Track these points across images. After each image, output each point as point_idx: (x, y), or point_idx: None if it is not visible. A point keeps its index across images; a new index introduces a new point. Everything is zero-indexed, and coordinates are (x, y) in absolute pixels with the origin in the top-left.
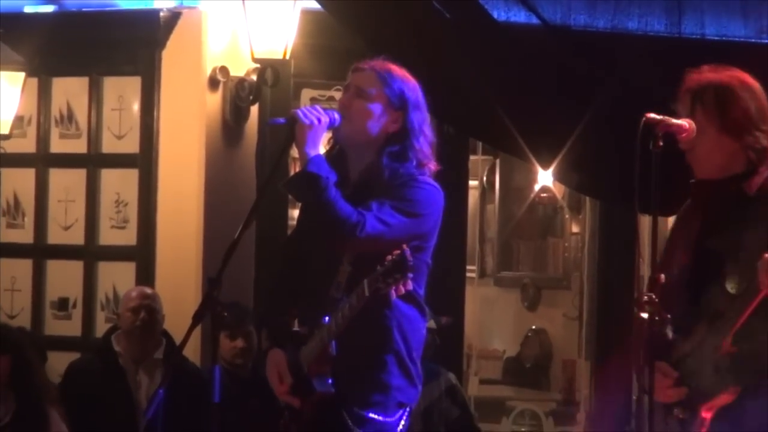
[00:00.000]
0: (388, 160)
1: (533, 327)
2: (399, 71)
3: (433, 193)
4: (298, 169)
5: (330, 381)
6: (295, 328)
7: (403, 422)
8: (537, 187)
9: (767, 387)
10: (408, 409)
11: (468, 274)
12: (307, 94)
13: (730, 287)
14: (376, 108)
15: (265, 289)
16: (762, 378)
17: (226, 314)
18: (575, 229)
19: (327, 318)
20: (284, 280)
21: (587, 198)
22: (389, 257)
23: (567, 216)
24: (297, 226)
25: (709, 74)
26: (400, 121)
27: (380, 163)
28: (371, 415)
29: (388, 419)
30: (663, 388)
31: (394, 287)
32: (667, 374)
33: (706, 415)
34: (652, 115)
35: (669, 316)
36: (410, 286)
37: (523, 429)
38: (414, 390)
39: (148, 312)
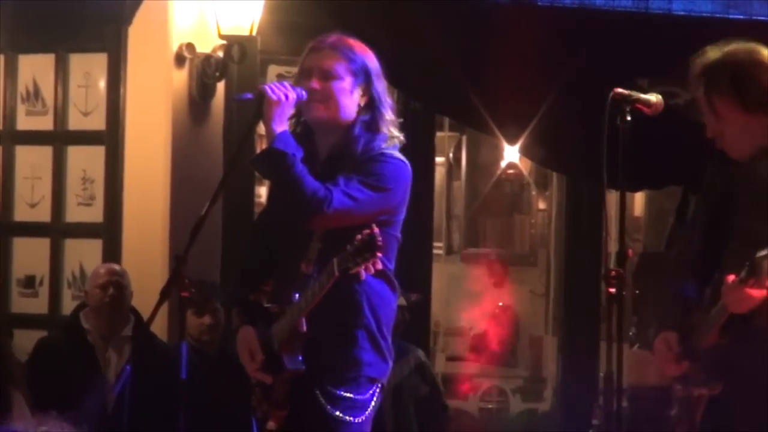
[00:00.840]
0: (360, 129)
1: (500, 304)
2: (356, 43)
3: (400, 167)
4: (264, 146)
5: (300, 358)
6: (266, 305)
7: (375, 399)
8: (503, 164)
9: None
10: (380, 384)
11: (435, 251)
12: (273, 70)
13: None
14: (346, 85)
15: (236, 266)
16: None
17: (193, 291)
18: (542, 205)
19: (297, 295)
20: (254, 256)
21: (554, 174)
22: (358, 236)
23: (534, 192)
24: (267, 202)
25: (715, 57)
26: (367, 94)
27: (353, 133)
28: (343, 393)
29: (359, 396)
30: (665, 361)
31: (363, 266)
32: (671, 347)
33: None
34: (620, 90)
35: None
36: (380, 265)
37: (490, 406)
38: (385, 365)
39: (117, 288)
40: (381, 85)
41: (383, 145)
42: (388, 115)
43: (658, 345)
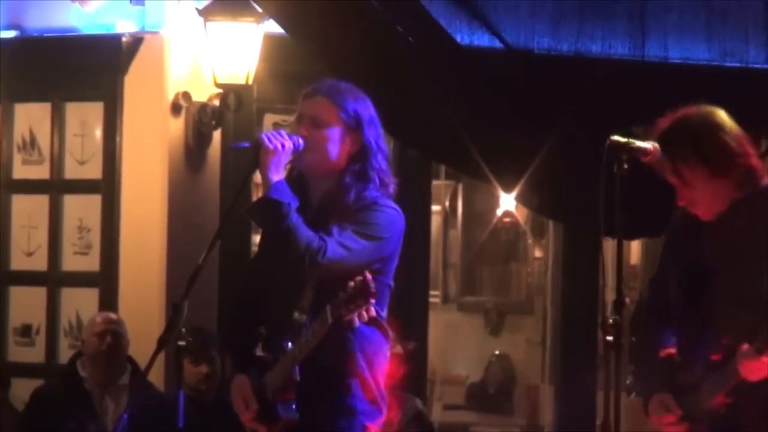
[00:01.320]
0: (351, 179)
1: (496, 352)
2: (349, 90)
3: (394, 216)
4: (260, 195)
5: (294, 407)
6: (259, 353)
7: None
8: (499, 212)
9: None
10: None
11: (431, 299)
12: (270, 119)
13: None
14: (335, 133)
15: (228, 314)
16: None
17: (190, 339)
18: (538, 253)
19: (290, 344)
20: (246, 304)
21: (550, 222)
22: (351, 284)
23: (530, 241)
24: (258, 249)
25: (671, 125)
26: (358, 141)
27: (343, 183)
28: None
29: None
30: (666, 424)
31: (356, 313)
32: (671, 409)
33: None
34: (617, 138)
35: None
36: (373, 312)
37: None
38: (379, 413)
39: (114, 337)
40: (374, 132)
41: (376, 194)
42: (380, 163)
43: (654, 409)
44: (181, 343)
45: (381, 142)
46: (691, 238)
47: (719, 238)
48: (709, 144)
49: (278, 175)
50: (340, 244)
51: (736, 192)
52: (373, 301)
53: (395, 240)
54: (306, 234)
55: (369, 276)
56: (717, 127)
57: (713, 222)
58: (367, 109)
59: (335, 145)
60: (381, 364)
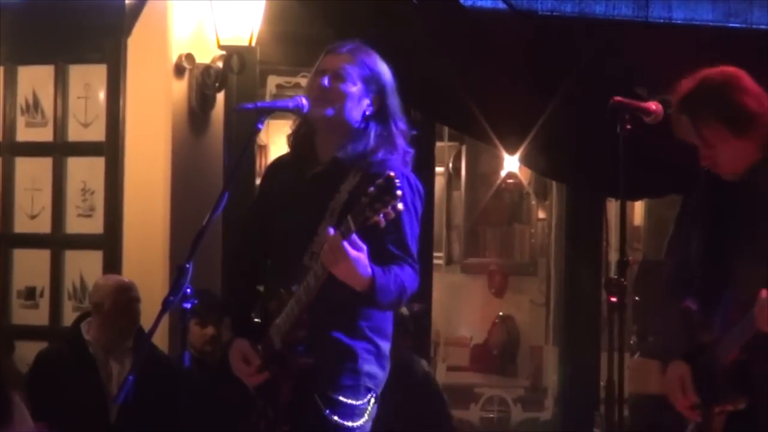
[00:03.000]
0: (377, 140)
1: (500, 313)
2: (373, 54)
3: (422, 198)
4: (265, 160)
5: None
6: (256, 319)
7: (371, 404)
8: (503, 174)
9: None
10: (377, 391)
11: (435, 261)
12: (273, 80)
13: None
14: (355, 90)
15: (225, 273)
16: None
17: (195, 302)
18: (541, 215)
19: (295, 286)
20: (244, 259)
21: (553, 184)
22: (372, 187)
23: (533, 202)
24: (259, 200)
25: (693, 87)
26: (377, 103)
27: (368, 143)
28: (341, 398)
29: (357, 402)
30: (679, 397)
31: (382, 213)
32: (686, 391)
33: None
34: (620, 99)
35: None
36: (400, 206)
37: (491, 415)
38: (383, 373)
39: (133, 303)
40: (395, 101)
41: (399, 159)
42: (403, 128)
43: (669, 376)
44: (186, 305)
45: (400, 111)
46: (713, 200)
47: (741, 198)
48: (730, 105)
49: (367, 272)
50: (413, 269)
51: (758, 153)
52: (400, 194)
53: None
54: (400, 291)
55: (393, 174)
56: (738, 88)
57: (735, 183)
58: (388, 75)
59: (354, 101)
60: (385, 324)
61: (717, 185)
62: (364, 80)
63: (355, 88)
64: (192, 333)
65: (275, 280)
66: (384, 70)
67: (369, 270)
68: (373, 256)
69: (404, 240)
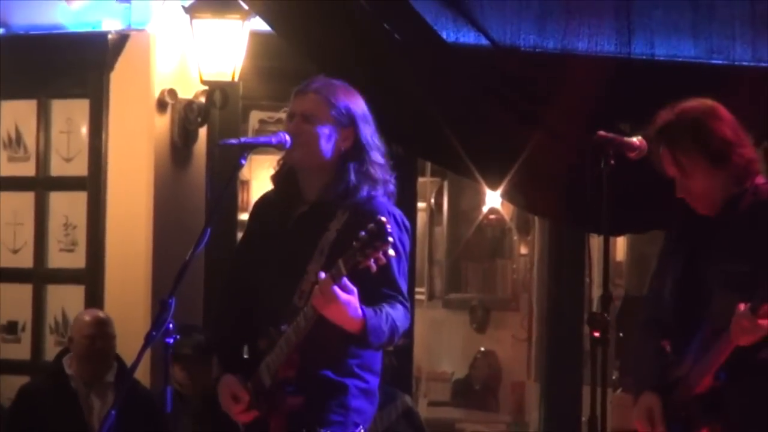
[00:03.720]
0: (357, 178)
1: (482, 349)
2: (341, 88)
3: (409, 233)
4: (248, 195)
5: (292, 388)
6: (245, 355)
7: None
8: (485, 209)
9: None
10: (365, 426)
11: (417, 296)
12: (255, 116)
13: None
14: (326, 130)
15: (213, 312)
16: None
17: (179, 337)
18: (524, 250)
19: (285, 326)
20: (233, 300)
21: (536, 219)
22: (363, 232)
23: (515, 237)
24: (246, 239)
25: (671, 117)
26: (351, 138)
27: (348, 182)
28: None
29: None
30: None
31: (372, 258)
32: (655, 423)
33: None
34: (603, 133)
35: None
36: (391, 252)
37: None
38: (371, 408)
39: (104, 339)
40: (369, 129)
41: (382, 193)
42: (378, 160)
43: (639, 407)
44: (169, 340)
45: (376, 139)
46: (689, 234)
47: (716, 231)
48: (709, 134)
49: (358, 315)
50: (404, 306)
51: (734, 186)
52: (391, 241)
53: None
54: (392, 330)
55: (384, 219)
56: (716, 117)
57: (710, 217)
58: (360, 105)
59: (327, 141)
60: (373, 360)
61: (694, 220)
62: (334, 117)
63: (325, 129)
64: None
65: (265, 319)
66: (354, 101)
67: (360, 312)
68: (363, 296)
69: (394, 279)
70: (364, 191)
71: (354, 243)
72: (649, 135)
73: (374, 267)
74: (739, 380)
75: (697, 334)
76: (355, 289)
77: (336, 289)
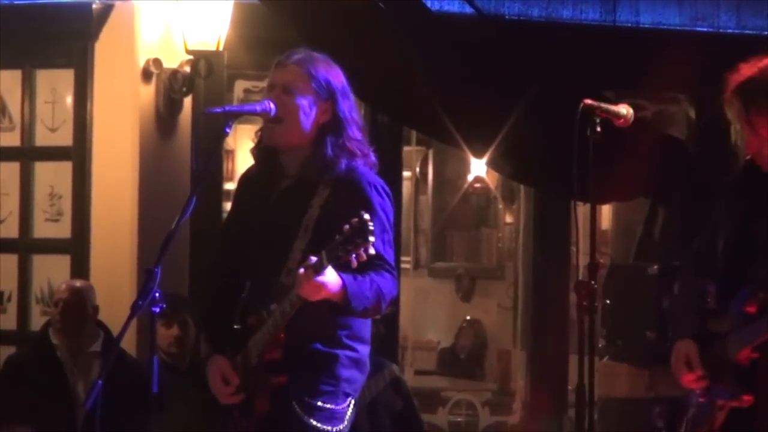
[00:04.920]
0: (334, 151)
1: (468, 317)
2: (322, 60)
3: (392, 201)
4: (233, 165)
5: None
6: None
7: (351, 409)
8: (470, 178)
9: None
10: (356, 395)
11: (402, 266)
12: (240, 85)
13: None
14: (305, 102)
15: (201, 292)
16: None
17: (164, 306)
18: (509, 219)
19: (274, 305)
20: (221, 277)
21: (521, 188)
22: (347, 226)
23: (500, 206)
24: (232, 217)
25: (749, 74)
26: (330, 111)
27: (325, 155)
28: (320, 403)
29: (337, 407)
30: (683, 372)
31: (354, 254)
32: (692, 367)
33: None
34: (590, 101)
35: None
36: (372, 251)
37: (459, 419)
38: (362, 377)
39: (80, 308)
40: (348, 103)
41: (363, 164)
42: (356, 134)
43: (676, 353)
44: (155, 309)
45: (354, 114)
46: (749, 192)
47: None
48: None
49: (337, 286)
50: (391, 274)
51: None
52: (372, 239)
53: None
54: (386, 293)
55: (367, 215)
56: None
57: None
58: (340, 79)
59: (306, 114)
60: (363, 329)
61: (755, 177)
62: (314, 90)
63: (305, 100)
64: (157, 334)
65: (254, 296)
66: (334, 74)
67: (340, 282)
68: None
69: (378, 249)
70: (342, 163)
71: (337, 236)
72: (641, 106)
73: (355, 263)
74: None
75: (741, 294)
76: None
77: (318, 279)
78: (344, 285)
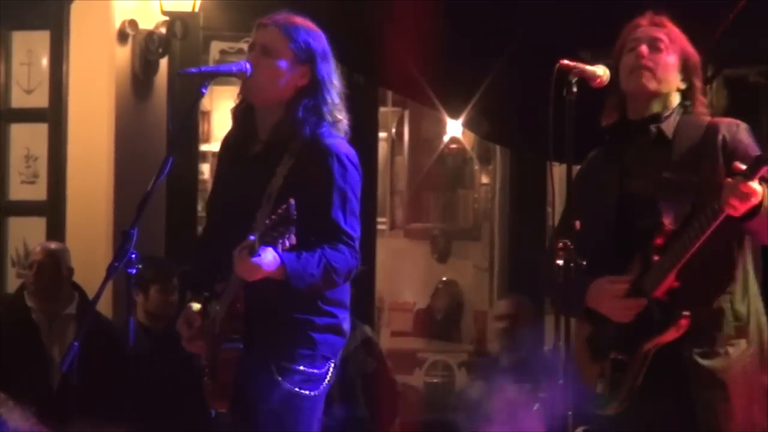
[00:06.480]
0: (304, 113)
1: (444, 279)
2: (303, 22)
3: (358, 165)
4: (209, 126)
5: (240, 345)
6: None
7: (330, 373)
8: (446, 138)
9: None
10: (334, 360)
11: (378, 227)
12: (216, 46)
13: (668, 222)
14: (283, 64)
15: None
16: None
17: (140, 267)
18: (485, 180)
19: (233, 275)
20: (205, 244)
21: (497, 148)
22: (276, 213)
23: (476, 167)
24: (215, 183)
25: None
26: (308, 75)
27: (296, 117)
28: (299, 367)
29: (316, 370)
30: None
31: (280, 240)
32: (617, 281)
33: (648, 348)
34: (566, 62)
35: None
36: (294, 240)
37: (435, 380)
38: (340, 340)
39: (52, 269)
40: (327, 68)
41: (331, 136)
42: (333, 97)
43: (595, 290)
44: (131, 271)
45: (334, 77)
46: (616, 172)
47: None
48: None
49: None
50: (349, 246)
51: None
52: (293, 228)
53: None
54: (344, 267)
55: (293, 202)
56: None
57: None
58: (320, 42)
59: (284, 75)
60: (339, 291)
61: (617, 157)
62: (294, 52)
63: (284, 63)
64: (153, 300)
65: (225, 263)
66: (314, 37)
67: (278, 261)
68: (305, 237)
69: (336, 220)
70: (307, 129)
71: (266, 222)
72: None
73: (281, 248)
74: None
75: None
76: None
77: (253, 260)
78: (283, 263)
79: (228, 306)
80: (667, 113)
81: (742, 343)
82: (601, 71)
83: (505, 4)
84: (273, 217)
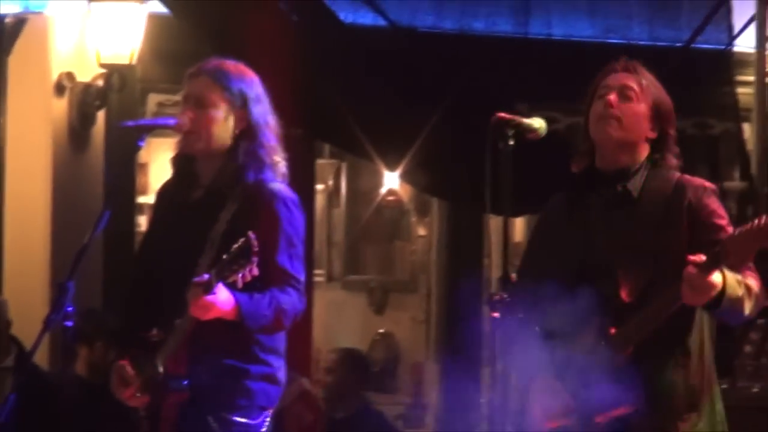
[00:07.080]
0: (245, 158)
1: (381, 330)
2: (234, 68)
3: (300, 215)
4: (146, 178)
5: (185, 382)
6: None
7: (266, 424)
8: (383, 191)
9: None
10: (271, 411)
11: (316, 278)
12: (153, 98)
13: (625, 295)
14: (218, 113)
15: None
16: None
17: (83, 320)
18: (422, 232)
19: (178, 321)
20: (138, 292)
21: (434, 200)
22: (235, 245)
23: (413, 219)
24: (148, 233)
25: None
26: (245, 119)
27: (238, 163)
28: (235, 418)
29: (252, 421)
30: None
31: (240, 274)
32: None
33: (600, 420)
34: (503, 114)
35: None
36: (256, 272)
37: None
38: (277, 390)
39: None
40: (261, 109)
41: (274, 182)
42: (269, 139)
43: (538, 392)
44: (68, 324)
45: (269, 118)
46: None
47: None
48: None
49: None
50: (296, 289)
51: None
52: (255, 259)
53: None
54: (276, 313)
55: (253, 235)
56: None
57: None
58: (253, 86)
59: (220, 124)
60: (276, 339)
61: (579, 212)
62: (227, 100)
63: (219, 112)
64: (97, 353)
65: (164, 310)
66: (247, 81)
67: (232, 301)
68: (254, 281)
69: (282, 265)
70: (251, 175)
71: (224, 256)
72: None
73: (241, 283)
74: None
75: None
76: (221, 285)
77: (208, 298)
78: (237, 303)
79: (173, 349)
80: (635, 167)
81: (693, 417)
82: (537, 124)
83: (443, 56)
84: (231, 251)
